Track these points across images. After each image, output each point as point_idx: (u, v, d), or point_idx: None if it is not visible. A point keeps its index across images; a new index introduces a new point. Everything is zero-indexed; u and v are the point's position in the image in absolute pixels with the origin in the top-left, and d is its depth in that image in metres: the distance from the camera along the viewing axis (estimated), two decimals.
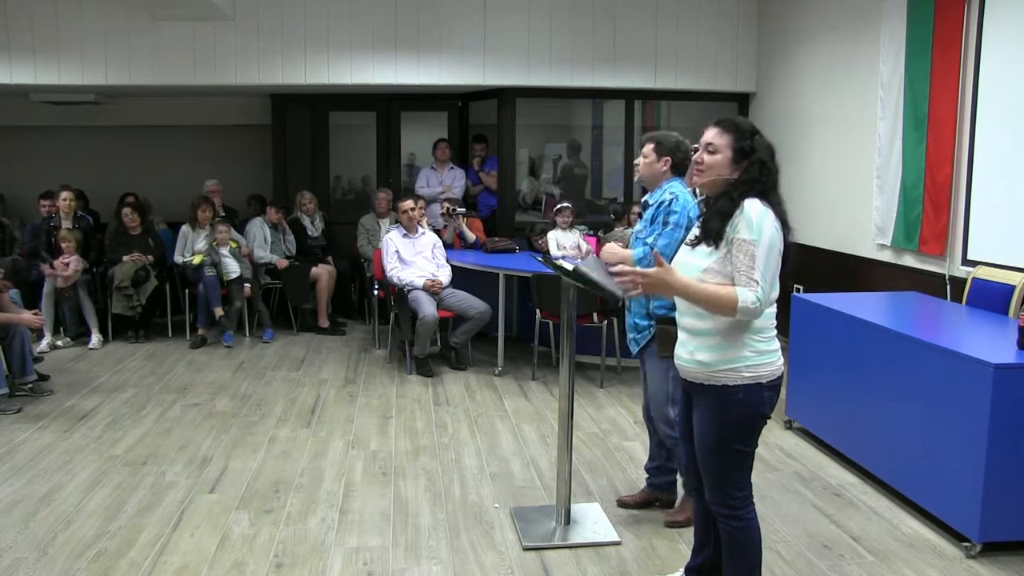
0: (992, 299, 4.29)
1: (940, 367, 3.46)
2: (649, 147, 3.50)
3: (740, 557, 2.64)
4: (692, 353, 2.58)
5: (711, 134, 2.55)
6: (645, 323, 3.48)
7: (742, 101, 7.60)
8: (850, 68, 5.93)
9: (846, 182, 5.93)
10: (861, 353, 4.05)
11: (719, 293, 2.43)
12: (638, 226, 3.55)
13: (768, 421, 2.60)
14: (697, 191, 3.57)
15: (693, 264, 2.55)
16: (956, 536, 3.42)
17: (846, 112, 5.96)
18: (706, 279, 2.49)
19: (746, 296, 2.39)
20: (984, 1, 4.60)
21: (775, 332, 2.58)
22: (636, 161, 3.60)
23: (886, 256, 5.52)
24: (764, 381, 2.51)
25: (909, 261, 5.30)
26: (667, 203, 3.38)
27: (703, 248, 2.53)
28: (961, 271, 4.77)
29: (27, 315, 5.32)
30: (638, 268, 2.60)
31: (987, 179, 4.62)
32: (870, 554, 3.34)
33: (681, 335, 2.65)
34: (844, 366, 4.19)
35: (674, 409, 3.48)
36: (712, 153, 2.53)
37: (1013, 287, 4.19)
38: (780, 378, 2.57)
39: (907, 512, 3.71)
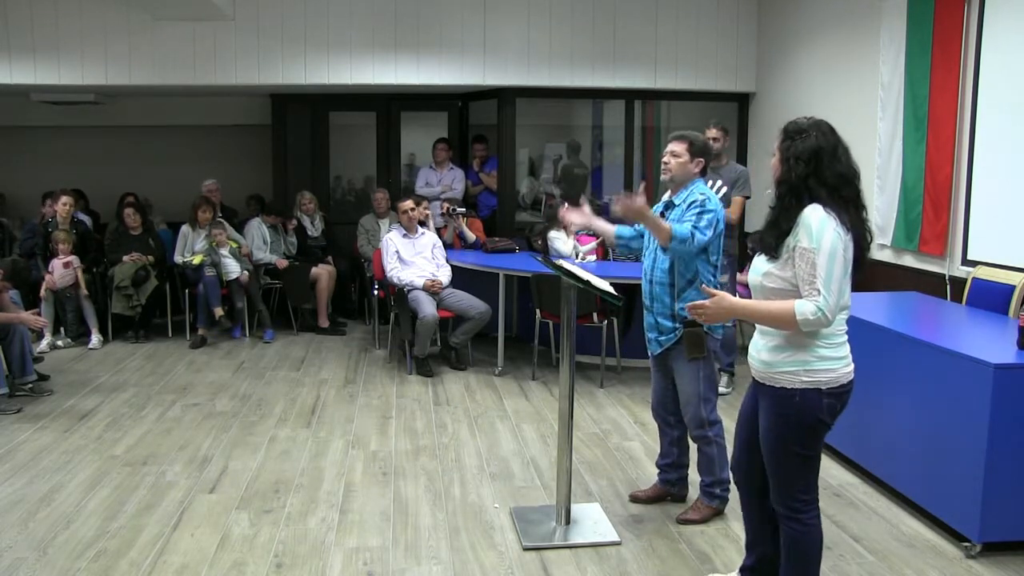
0: (992, 299, 4.29)
1: (940, 367, 3.46)
2: (682, 146, 3.43)
3: (798, 560, 2.63)
4: (759, 352, 2.60)
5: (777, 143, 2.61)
6: (670, 324, 3.46)
7: (742, 101, 7.60)
8: (850, 68, 5.93)
9: None
10: (861, 353, 4.02)
11: (779, 310, 2.44)
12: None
13: (829, 428, 2.57)
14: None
15: (756, 267, 2.60)
16: (956, 536, 3.42)
17: (846, 112, 5.95)
18: (766, 283, 2.52)
19: (804, 308, 2.39)
20: (984, 1, 4.60)
21: (845, 339, 2.54)
22: (665, 160, 3.49)
23: (886, 256, 5.52)
24: (823, 387, 2.48)
25: (909, 261, 5.30)
26: (699, 202, 3.35)
27: (762, 258, 2.57)
28: (961, 271, 4.77)
29: (27, 315, 5.33)
30: (698, 301, 2.66)
31: (987, 179, 4.62)
32: (870, 554, 3.34)
33: (755, 334, 2.67)
34: None
35: (707, 407, 3.50)
36: (773, 155, 2.59)
37: (1013, 287, 4.19)
38: (845, 386, 2.52)
39: (907, 512, 3.71)
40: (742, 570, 2.95)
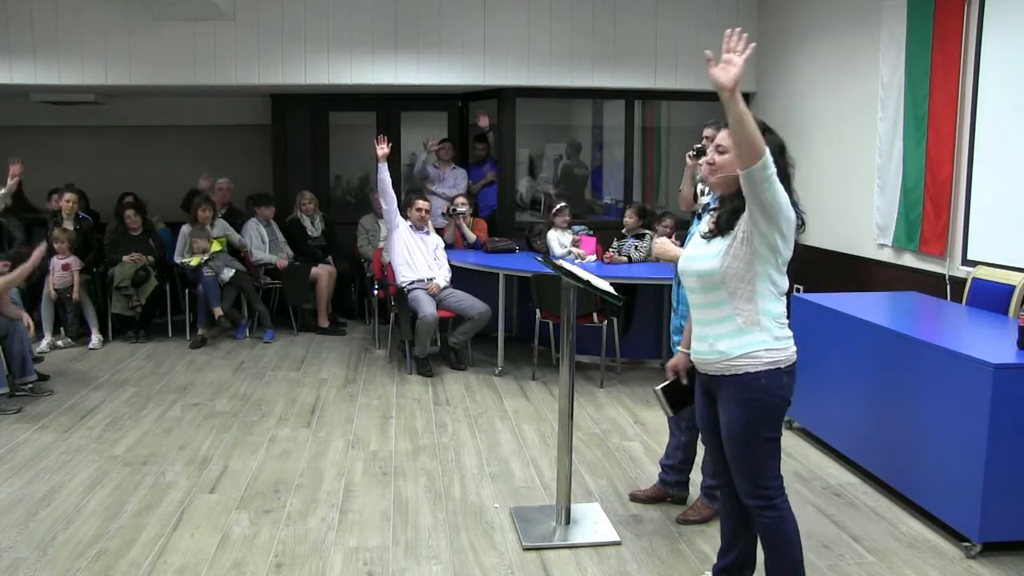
0: (992, 299, 4.29)
1: (940, 367, 3.46)
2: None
3: (781, 550, 2.65)
4: (711, 344, 2.59)
5: (721, 135, 2.60)
6: None
7: None
8: (850, 68, 5.93)
9: (847, 182, 5.93)
10: (861, 353, 4.05)
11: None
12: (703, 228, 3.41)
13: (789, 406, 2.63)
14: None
15: (707, 254, 2.58)
16: (956, 536, 3.42)
17: (846, 112, 5.96)
18: (728, 272, 2.52)
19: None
20: (984, 1, 4.60)
21: (787, 320, 2.62)
22: (709, 159, 3.42)
23: (886, 256, 5.52)
24: (783, 366, 2.55)
25: (909, 261, 5.30)
26: None
27: (718, 240, 2.57)
28: (961, 271, 4.77)
29: (22, 315, 5.34)
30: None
31: (987, 179, 4.62)
32: (870, 554, 3.34)
33: (697, 330, 2.66)
34: (844, 366, 4.19)
35: None
36: (723, 153, 2.58)
37: (1013, 287, 4.19)
38: (794, 364, 2.60)
39: (907, 512, 3.72)
40: (719, 571, 2.95)
